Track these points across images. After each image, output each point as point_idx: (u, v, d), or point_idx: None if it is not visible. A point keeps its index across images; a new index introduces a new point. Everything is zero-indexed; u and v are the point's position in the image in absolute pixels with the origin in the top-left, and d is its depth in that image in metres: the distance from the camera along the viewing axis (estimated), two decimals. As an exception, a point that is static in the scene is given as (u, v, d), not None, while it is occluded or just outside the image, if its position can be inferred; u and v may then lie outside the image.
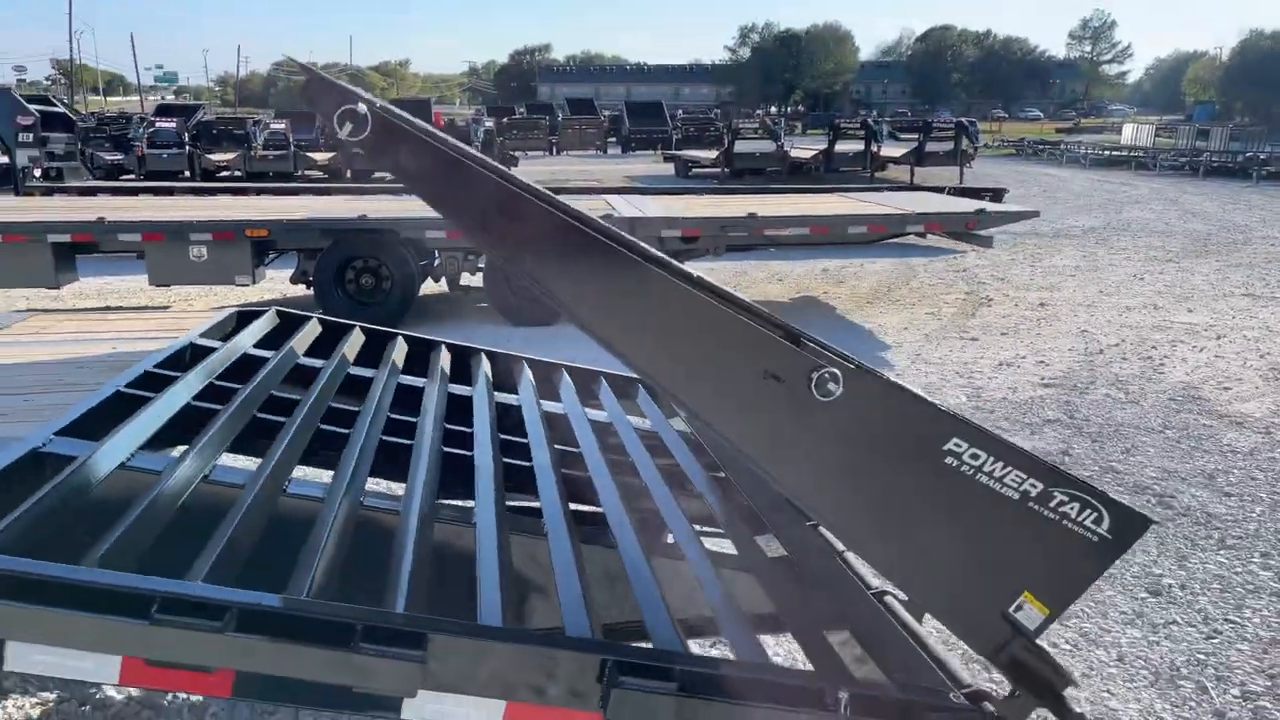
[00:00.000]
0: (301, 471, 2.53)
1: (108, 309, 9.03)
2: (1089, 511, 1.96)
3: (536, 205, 1.91)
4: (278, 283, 9.70)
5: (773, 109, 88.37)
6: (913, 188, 16.32)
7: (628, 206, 9.51)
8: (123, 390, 2.81)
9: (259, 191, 12.59)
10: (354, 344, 3.84)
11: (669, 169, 31.40)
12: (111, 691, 3.09)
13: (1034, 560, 1.99)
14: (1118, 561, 3.87)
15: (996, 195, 13.82)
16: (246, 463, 2.60)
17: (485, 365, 3.65)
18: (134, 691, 3.09)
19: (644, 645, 1.98)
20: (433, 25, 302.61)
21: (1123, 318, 9.37)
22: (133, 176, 22.93)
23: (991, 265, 12.68)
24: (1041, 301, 10.13)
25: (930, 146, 27.89)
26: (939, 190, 13.46)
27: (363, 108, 1.88)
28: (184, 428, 2.64)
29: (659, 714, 1.85)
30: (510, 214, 1.94)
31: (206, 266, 8.32)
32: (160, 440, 2.54)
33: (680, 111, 51.53)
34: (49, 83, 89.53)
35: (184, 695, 3.07)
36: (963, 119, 30.44)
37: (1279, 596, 3.85)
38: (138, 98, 74.75)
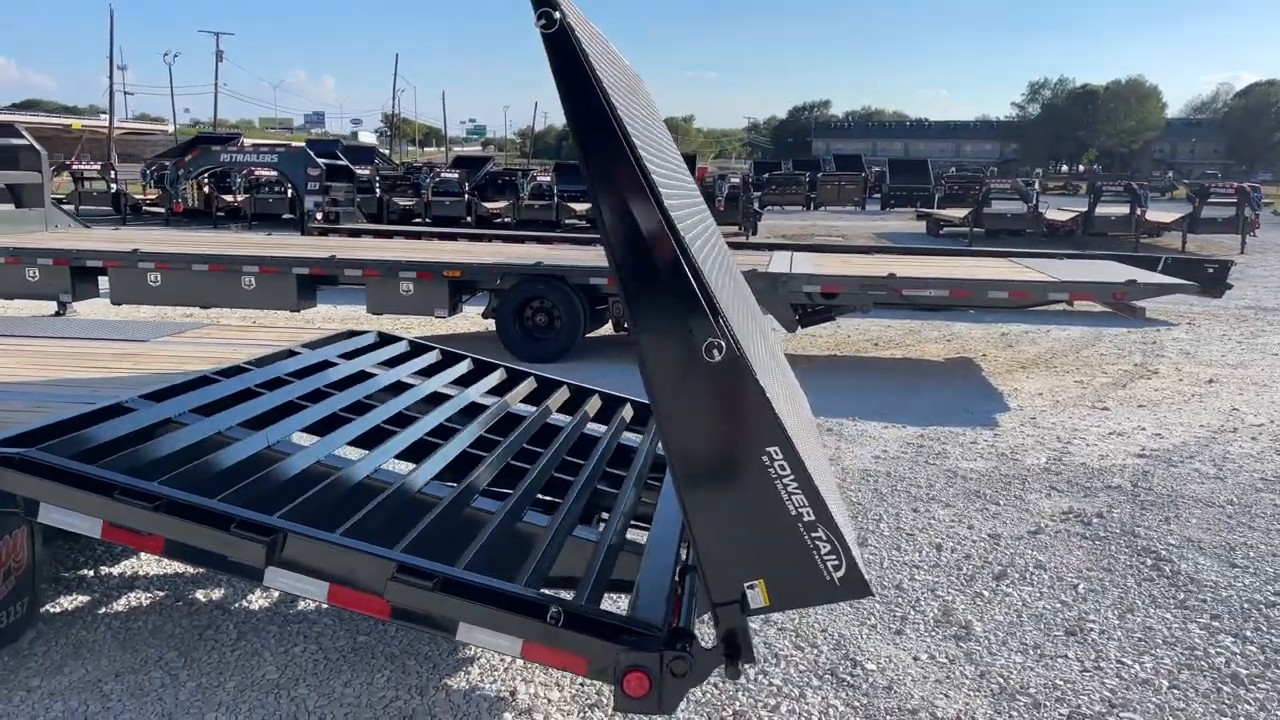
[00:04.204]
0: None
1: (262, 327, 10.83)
2: (835, 557, 2.67)
3: (611, 132, 2.60)
4: (473, 317, 11.23)
5: (1063, 168, 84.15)
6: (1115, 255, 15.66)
7: (781, 262, 10.26)
8: (209, 374, 4.05)
9: (491, 239, 14.35)
10: (422, 361, 4.97)
11: (921, 226, 31.41)
12: (199, 595, 4.32)
13: (780, 563, 2.67)
14: (1052, 602, 4.28)
15: (1221, 269, 13.15)
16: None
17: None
18: (215, 595, 4.30)
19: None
20: (723, 82, 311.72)
21: (1292, 399, 8.94)
22: (420, 221, 26.09)
23: (1191, 339, 12.20)
24: (1212, 378, 9.78)
25: (1209, 212, 26.34)
26: (1156, 260, 13.01)
27: (558, 15, 2.56)
28: (235, 401, 3.82)
29: (416, 601, 2.73)
30: (587, 121, 2.61)
31: (413, 300, 9.94)
32: (212, 408, 3.71)
33: (952, 169, 50.50)
34: (377, 135, 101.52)
35: (248, 603, 4.24)
36: (1246, 184, 28.35)
37: (1190, 650, 4.06)
38: (449, 149, 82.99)
